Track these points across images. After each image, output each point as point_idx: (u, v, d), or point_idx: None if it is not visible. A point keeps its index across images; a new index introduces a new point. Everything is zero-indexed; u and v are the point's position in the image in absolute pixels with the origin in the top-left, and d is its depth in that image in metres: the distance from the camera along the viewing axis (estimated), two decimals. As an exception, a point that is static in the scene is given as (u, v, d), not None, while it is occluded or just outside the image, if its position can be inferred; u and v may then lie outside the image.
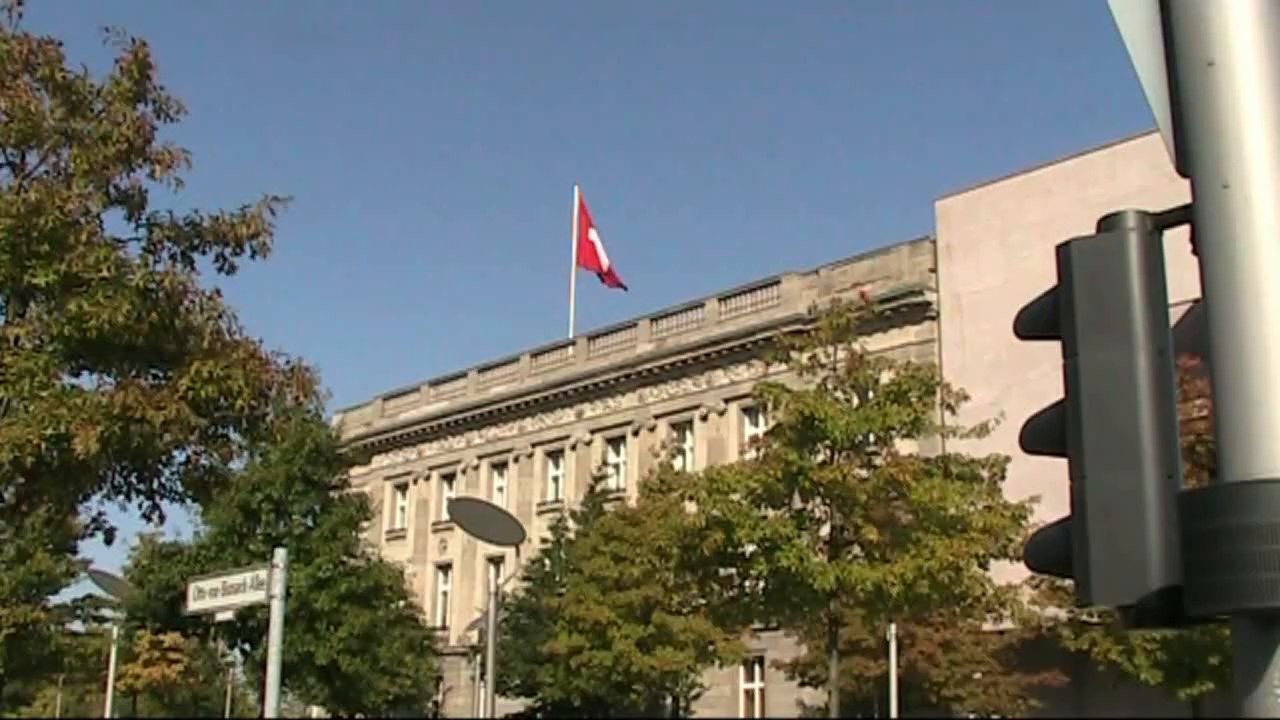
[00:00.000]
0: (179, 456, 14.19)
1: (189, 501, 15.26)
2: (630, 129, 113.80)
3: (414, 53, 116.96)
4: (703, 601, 26.22)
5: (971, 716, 32.63)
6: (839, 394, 23.19)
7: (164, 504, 14.50)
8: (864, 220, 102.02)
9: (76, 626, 44.12)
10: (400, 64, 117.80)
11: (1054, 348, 3.61)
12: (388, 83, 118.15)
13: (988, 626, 30.26)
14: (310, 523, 37.44)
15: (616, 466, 50.06)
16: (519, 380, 55.53)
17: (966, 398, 22.70)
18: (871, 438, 22.63)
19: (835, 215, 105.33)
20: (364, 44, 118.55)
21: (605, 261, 54.77)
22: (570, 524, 42.08)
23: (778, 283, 45.89)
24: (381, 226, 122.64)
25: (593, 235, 54.57)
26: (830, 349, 23.75)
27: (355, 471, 46.97)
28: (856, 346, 23.85)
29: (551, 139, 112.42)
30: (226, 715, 57.58)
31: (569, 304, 55.24)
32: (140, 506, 14.36)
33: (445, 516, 50.35)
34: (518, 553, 36.22)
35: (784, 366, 24.84)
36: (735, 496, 22.51)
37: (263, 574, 13.09)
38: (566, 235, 55.18)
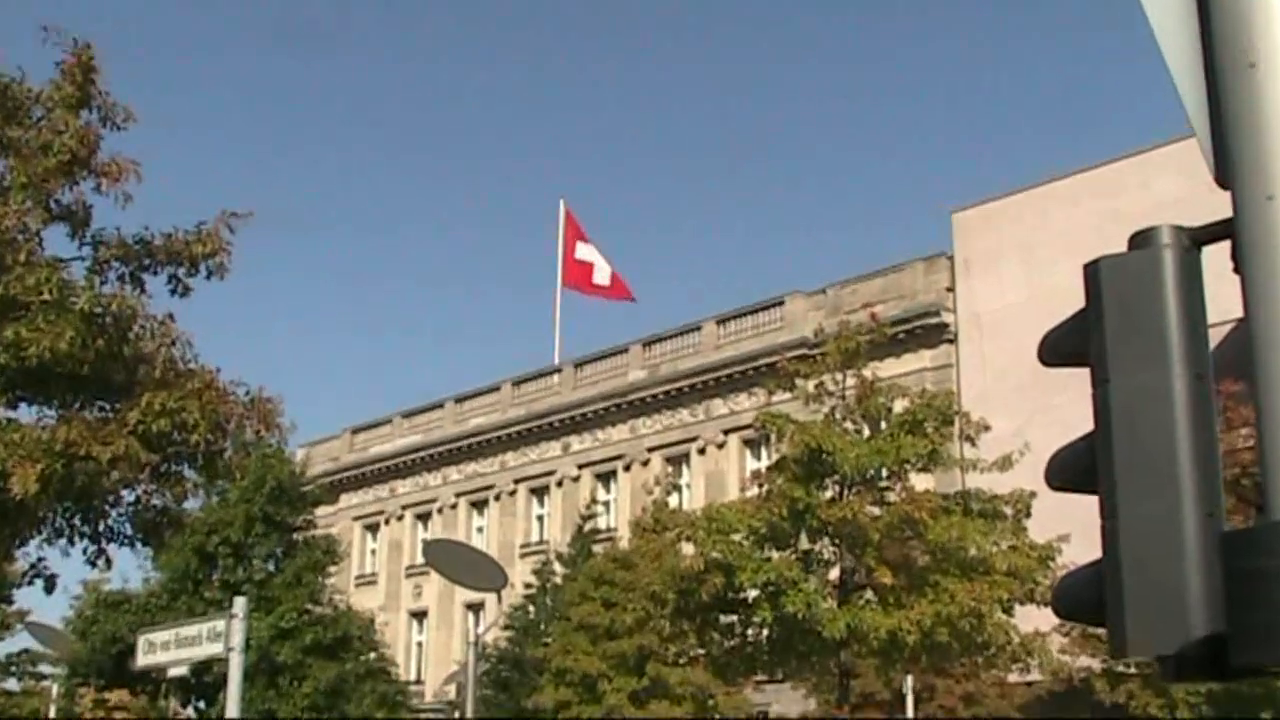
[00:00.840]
0: (128, 496, 14.19)
1: (139, 545, 15.23)
2: (621, 139, 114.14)
3: (393, 61, 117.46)
4: (701, 651, 26.15)
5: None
6: (848, 424, 23.23)
7: (111, 548, 14.49)
8: (874, 235, 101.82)
9: (11, 685, 43.88)
10: (375, 73, 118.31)
11: (1082, 371, 3.59)
12: (358, 91, 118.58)
13: (1014, 678, 30.18)
14: (272, 568, 37.27)
15: (606, 504, 50.02)
16: (500, 411, 55.52)
17: (987, 427, 22.73)
18: (884, 472, 22.65)
19: (843, 230, 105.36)
20: (343, 50, 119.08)
21: (609, 272, 54.46)
22: (556, 567, 42.01)
23: (781, 304, 45.99)
24: (349, 245, 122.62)
25: (588, 250, 54.34)
26: (839, 375, 23.79)
27: (321, 511, 46.78)
28: (867, 372, 23.89)
29: (536, 150, 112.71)
30: (180, 780, 57.23)
31: (554, 328, 55.30)
32: (84, 551, 14.35)
33: (420, 560, 50.29)
34: (499, 599, 36.04)
35: (788, 395, 24.89)
36: (736, 536, 22.51)
37: (220, 624, 13.05)
38: (552, 254, 55.25)
